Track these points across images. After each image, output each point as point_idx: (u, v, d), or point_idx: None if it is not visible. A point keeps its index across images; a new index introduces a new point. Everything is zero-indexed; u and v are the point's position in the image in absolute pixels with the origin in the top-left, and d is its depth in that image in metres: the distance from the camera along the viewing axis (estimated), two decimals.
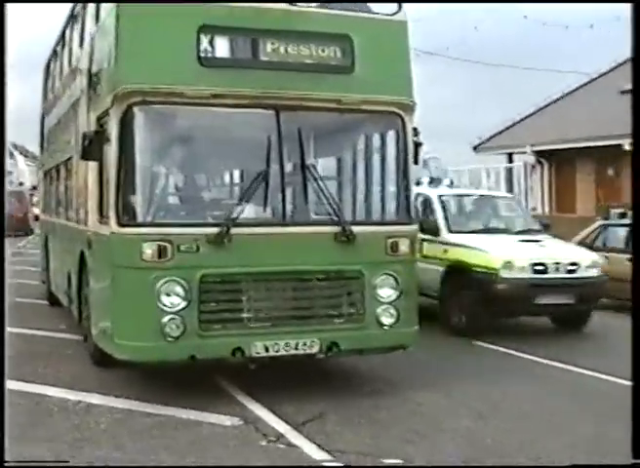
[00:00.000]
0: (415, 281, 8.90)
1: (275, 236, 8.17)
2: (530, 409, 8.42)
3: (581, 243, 17.29)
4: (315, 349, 8.23)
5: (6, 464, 5.97)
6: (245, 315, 8.08)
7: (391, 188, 8.85)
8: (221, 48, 8.16)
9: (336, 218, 8.37)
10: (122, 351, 8.06)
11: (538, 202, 30.68)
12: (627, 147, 26.16)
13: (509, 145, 31.45)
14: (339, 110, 8.43)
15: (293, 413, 7.86)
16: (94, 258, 9.14)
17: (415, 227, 8.97)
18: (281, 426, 7.54)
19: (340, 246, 8.33)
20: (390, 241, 8.55)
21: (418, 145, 8.95)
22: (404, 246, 8.63)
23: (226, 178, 10.60)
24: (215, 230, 7.93)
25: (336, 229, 8.33)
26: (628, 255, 15.63)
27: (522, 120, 32.57)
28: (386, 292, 8.53)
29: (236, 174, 10.35)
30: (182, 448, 6.88)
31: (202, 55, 8.02)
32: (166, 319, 7.78)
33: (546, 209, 30.44)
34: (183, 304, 7.83)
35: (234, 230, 7.96)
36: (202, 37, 8.02)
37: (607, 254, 16.35)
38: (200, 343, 7.89)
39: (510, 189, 30.86)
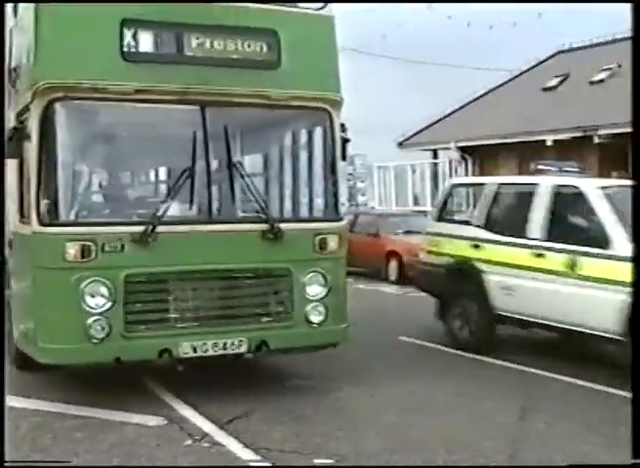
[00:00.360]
0: (343, 278, 8.84)
1: (201, 234, 8.03)
2: (455, 405, 8.45)
3: None
4: (244, 348, 8.13)
5: (6, 464, 5.91)
6: (172, 315, 7.94)
7: (319, 185, 8.77)
8: (145, 42, 7.98)
9: (263, 216, 8.28)
10: (45, 354, 7.83)
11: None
12: (549, 143, 26.60)
13: (434, 141, 31.64)
14: (266, 106, 8.33)
15: (218, 413, 7.80)
16: (15, 259, 8.89)
17: (344, 223, 8.91)
18: (206, 425, 7.49)
19: (268, 243, 8.24)
20: (319, 238, 8.49)
21: (345, 141, 8.89)
22: (333, 243, 8.57)
23: (151, 176, 10.43)
24: (139, 229, 7.77)
25: (263, 227, 8.24)
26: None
27: (446, 116, 32.81)
28: (315, 290, 8.46)
29: (161, 171, 10.17)
30: (106, 450, 6.81)
31: (125, 49, 7.84)
32: (90, 320, 7.60)
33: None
34: (108, 305, 7.66)
35: (160, 229, 7.81)
36: (125, 31, 7.84)
37: None
38: (126, 345, 7.73)
39: (436, 185, 31.10)
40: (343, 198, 9.28)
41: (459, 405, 8.44)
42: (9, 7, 9.72)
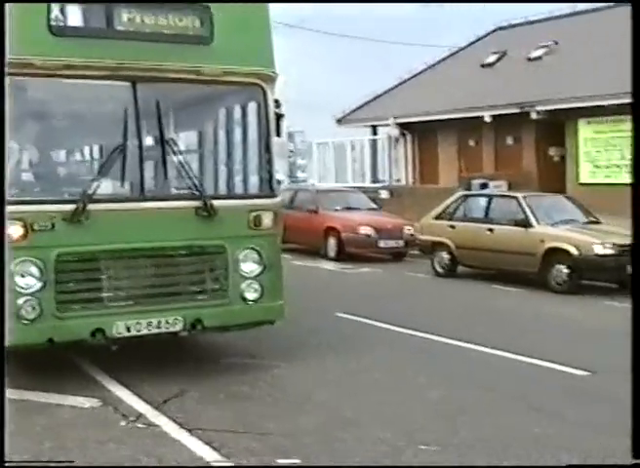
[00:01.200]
0: (279, 255, 8.81)
1: (134, 212, 7.94)
2: (390, 381, 8.49)
3: (443, 213, 17.70)
4: (179, 327, 8.08)
5: (6, 464, 5.74)
6: (105, 294, 7.85)
7: (253, 161, 8.73)
8: (74, 16, 7.80)
9: (196, 193, 8.20)
10: None
11: (402, 173, 31.05)
12: (487, 119, 26.76)
13: (373, 118, 31.69)
14: (198, 81, 8.24)
15: (153, 393, 7.77)
16: None
17: (278, 200, 8.87)
18: (141, 406, 7.46)
19: (202, 220, 8.18)
20: (253, 215, 8.44)
21: (279, 117, 8.82)
22: (267, 219, 8.53)
23: (83, 154, 10.26)
24: (71, 207, 7.65)
25: (196, 204, 8.17)
26: (488, 225, 16.14)
27: (385, 93, 32.86)
28: (250, 267, 8.42)
29: (93, 148, 9.99)
30: (40, 433, 6.71)
31: (53, 23, 7.67)
32: (21, 301, 7.47)
33: (410, 180, 30.86)
34: (39, 285, 7.55)
35: (91, 206, 7.70)
36: (52, 5, 7.68)
37: (467, 224, 16.83)
38: (58, 325, 7.63)
39: (375, 161, 31.19)
40: (282, 174, 9.23)
41: (394, 380, 8.49)
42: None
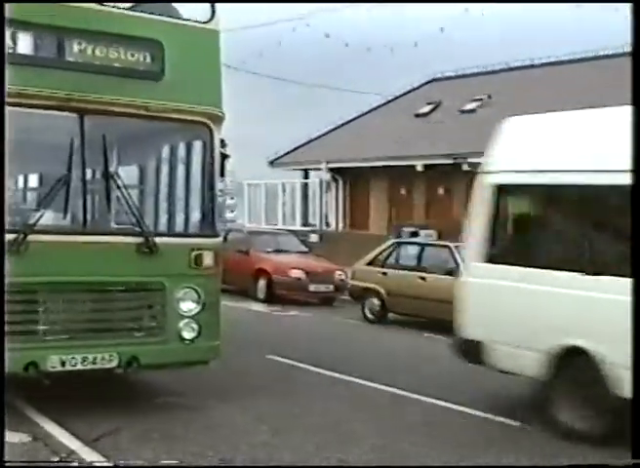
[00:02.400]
0: (218, 295, 8.79)
1: (75, 245, 7.87)
2: (325, 425, 8.49)
3: (375, 260, 17.79)
4: (114, 363, 7.99)
5: (6, 464, 5.75)
6: (40, 327, 7.74)
7: (197, 200, 8.73)
8: (24, 44, 7.78)
9: (138, 229, 8.16)
10: None
11: (332, 218, 31.21)
12: (420, 168, 27.08)
13: (305, 161, 31.90)
14: (146, 117, 8.24)
15: (86, 429, 7.61)
16: None
17: (219, 240, 8.87)
18: (73, 443, 7.32)
19: (143, 257, 8.14)
20: (194, 253, 8.42)
21: (224, 157, 8.87)
22: (208, 259, 8.52)
23: (26, 183, 10.14)
24: (11, 237, 7.54)
25: (138, 240, 8.13)
26: (420, 273, 16.29)
27: (318, 137, 33.10)
28: (188, 306, 8.39)
29: (36, 178, 9.89)
30: None
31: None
32: None
33: (340, 225, 31.01)
34: None
35: (31, 237, 7.61)
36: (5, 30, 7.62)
37: (399, 272, 16.93)
38: None
39: (306, 205, 31.30)
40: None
41: (329, 425, 8.49)
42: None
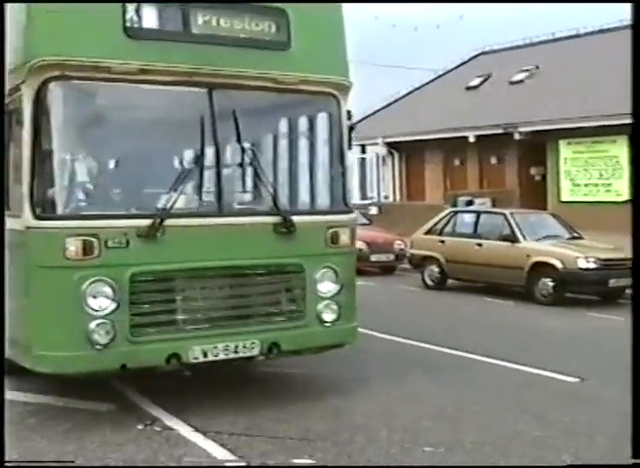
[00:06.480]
0: (354, 274, 7.67)
1: (212, 228, 6.78)
2: (400, 389, 7.86)
3: (433, 229, 16.99)
4: (256, 351, 6.92)
5: (6, 464, 5.31)
6: (180, 317, 6.67)
7: (328, 175, 7.55)
8: (149, 18, 6.62)
9: (275, 208, 7.07)
10: (42, 363, 6.41)
11: (389, 190, 30.25)
12: (472, 139, 26.02)
13: (362, 137, 30.63)
14: (275, 90, 7.11)
15: (168, 398, 7.10)
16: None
17: (354, 216, 7.75)
18: (156, 411, 6.88)
19: (280, 238, 7.04)
20: (331, 231, 7.32)
21: (351, 129, 7.73)
22: (345, 236, 7.41)
23: (158, 164, 8.93)
24: (146, 222, 6.49)
25: (275, 219, 7.03)
26: (477, 240, 15.67)
27: (373, 113, 32.01)
28: (327, 287, 7.28)
29: (168, 159, 8.62)
30: (61, 435, 6.29)
31: (128, 25, 6.52)
32: (93, 324, 6.28)
33: (398, 197, 30.06)
34: (113, 307, 6.35)
35: (167, 222, 6.54)
36: (128, 5, 6.52)
37: (457, 239, 16.23)
38: (132, 350, 6.43)
39: (364, 179, 30.31)
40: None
41: (396, 387, 7.87)
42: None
